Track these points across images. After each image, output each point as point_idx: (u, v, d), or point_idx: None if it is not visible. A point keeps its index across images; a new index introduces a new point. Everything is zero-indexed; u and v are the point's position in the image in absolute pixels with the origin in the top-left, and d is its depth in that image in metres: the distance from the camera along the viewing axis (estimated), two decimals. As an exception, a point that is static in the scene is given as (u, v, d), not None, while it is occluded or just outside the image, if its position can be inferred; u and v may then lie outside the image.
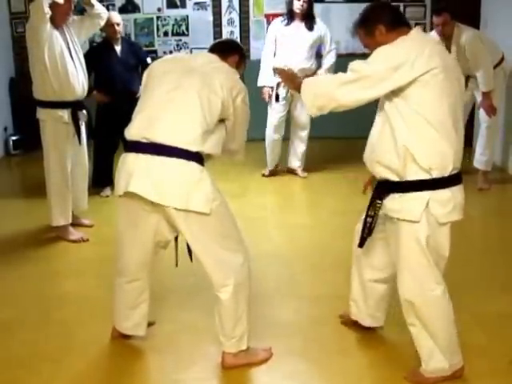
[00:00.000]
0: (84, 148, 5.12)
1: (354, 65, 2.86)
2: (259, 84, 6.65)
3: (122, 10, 8.21)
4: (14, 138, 8.04)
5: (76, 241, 4.97)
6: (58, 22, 4.76)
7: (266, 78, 6.54)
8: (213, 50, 3.19)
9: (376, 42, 2.91)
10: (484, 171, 6.26)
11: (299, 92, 3.02)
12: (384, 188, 2.93)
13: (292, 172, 6.90)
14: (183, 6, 8.46)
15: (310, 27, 6.49)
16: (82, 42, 5.15)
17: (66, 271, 4.51)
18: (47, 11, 4.53)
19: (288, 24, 6.49)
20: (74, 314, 3.78)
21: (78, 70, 4.90)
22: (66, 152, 4.93)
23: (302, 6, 6.37)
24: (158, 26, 8.51)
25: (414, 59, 2.72)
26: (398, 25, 2.93)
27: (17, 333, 3.58)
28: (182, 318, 3.64)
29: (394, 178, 2.86)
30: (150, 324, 3.44)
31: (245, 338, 3.13)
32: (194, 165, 2.90)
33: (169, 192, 2.87)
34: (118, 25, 6.04)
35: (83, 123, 5.04)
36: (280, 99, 6.57)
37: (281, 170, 6.94)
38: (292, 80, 3.20)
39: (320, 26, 6.58)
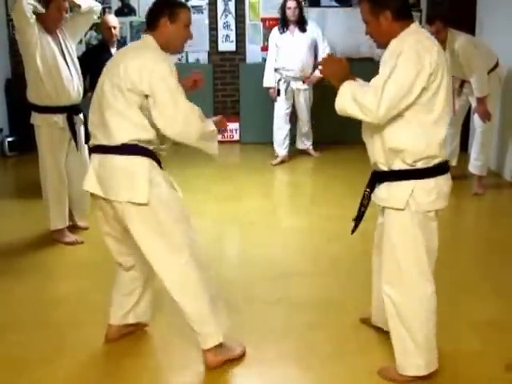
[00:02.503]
0: (84, 152, 5.05)
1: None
2: (264, 85, 7.37)
3: (118, 13, 8.21)
4: (9, 139, 8.02)
5: (71, 243, 4.96)
6: (49, 28, 4.74)
7: (269, 80, 7.32)
8: (146, 29, 3.23)
9: (378, 24, 2.88)
10: (479, 176, 6.27)
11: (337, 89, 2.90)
12: (375, 177, 3.01)
13: (304, 153, 7.76)
14: (179, 9, 8.48)
15: (304, 29, 7.15)
16: (77, 39, 5.13)
17: (61, 273, 4.50)
18: (30, 15, 4.50)
19: (283, 32, 7.19)
20: (67, 316, 3.77)
21: (73, 74, 4.88)
22: (62, 157, 4.92)
23: (294, 12, 7.05)
24: (154, 28, 8.51)
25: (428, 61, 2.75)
26: (404, 16, 2.90)
27: (9, 334, 3.58)
28: (175, 321, 3.60)
29: (384, 168, 2.92)
30: (143, 325, 3.46)
31: (213, 334, 3.14)
32: (128, 158, 3.02)
33: (108, 185, 3.05)
34: (114, 28, 6.08)
35: (80, 127, 5.00)
36: (281, 94, 7.26)
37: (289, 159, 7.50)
38: (337, 73, 2.95)
39: (312, 27, 7.24)
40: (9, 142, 8.02)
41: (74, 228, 5.19)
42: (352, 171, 6.60)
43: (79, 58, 6.38)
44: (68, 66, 4.85)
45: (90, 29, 8.20)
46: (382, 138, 2.87)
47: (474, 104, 6.14)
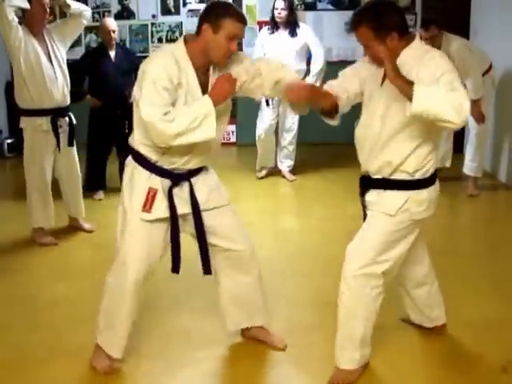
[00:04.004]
0: (73, 155, 5.09)
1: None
2: None
3: (118, 17, 8.26)
4: (8, 140, 8.08)
5: (45, 244, 4.98)
6: (35, 29, 4.75)
7: None
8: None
9: (384, 47, 2.78)
10: (474, 177, 6.32)
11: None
12: (366, 183, 3.03)
13: (281, 174, 7.02)
14: (177, 12, 8.53)
15: (293, 34, 6.48)
16: (68, 44, 5.09)
17: (60, 274, 4.52)
18: (12, 18, 4.52)
19: (272, 32, 6.56)
20: (63, 318, 3.77)
21: (58, 76, 4.86)
22: (48, 159, 4.94)
23: (280, 13, 6.40)
24: (152, 32, 8.56)
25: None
26: (407, 30, 2.86)
27: (6, 335, 3.59)
28: (172, 323, 3.65)
29: (378, 176, 2.96)
30: None
31: (111, 345, 3.16)
32: (131, 163, 3.07)
33: None
34: (113, 32, 6.11)
35: (66, 130, 4.97)
36: (270, 104, 6.62)
37: (275, 171, 7.04)
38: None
39: (303, 30, 6.57)
40: (8, 143, 8.08)
41: (75, 230, 5.24)
42: (349, 173, 6.64)
43: (78, 61, 6.50)
44: (53, 67, 4.84)
45: (90, 32, 8.35)
46: (388, 150, 2.88)
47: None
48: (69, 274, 4.49)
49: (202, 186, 3.13)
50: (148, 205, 2.98)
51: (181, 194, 3.06)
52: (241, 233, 3.29)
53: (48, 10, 4.81)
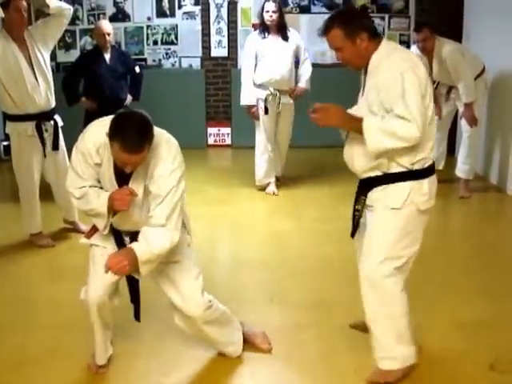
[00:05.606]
0: (60, 158, 5.07)
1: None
2: (242, 103, 6.45)
3: (113, 19, 8.30)
4: (4, 143, 8.07)
5: (43, 246, 5.03)
6: (14, 34, 4.72)
7: (250, 97, 6.38)
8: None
9: (355, 48, 2.90)
10: (465, 180, 6.38)
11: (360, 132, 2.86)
12: (367, 184, 3.04)
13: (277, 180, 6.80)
14: (172, 15, 8.58)
15: (286, 38, 6.31)
16: (51, 45, 5.02)
17: (58, 275, 4.55)
18: None
19: (264, 37, 6.26)
20: (62, 319, 3.80)
21: (40, 80, 4.81)
22: (35, 164, 4.95)
23: (271, 16, 6.16)
24: (147, 34, 8.61)
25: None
26: (376, 34, 2.97)
27: (4, 336, 3.62)
28: (168, 322, 3.59)
29: (378, 174, 2.99)
30: None
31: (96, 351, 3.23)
32: None
33: None
34: (108, 34, 6.13)
35: (51, 134, 4.95)
36: (270, 112, 6.38)
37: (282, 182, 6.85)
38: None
39: (294, 35, 6.44)
40: (4, 146, 8.08)
41: (72, 232, 5.28)
42: (340, 175, 6.67)
43: (73, 63, 6.52)
44: (35, 72, 4.79)
45: (85, 34, 8.39)
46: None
47: (461, 109, 6.26)
48: (66, 275, 4.51)
49: None
50: (92, 232, 3.13)
51: (125, 238, 3.12)
52: (185, 292, 3.08)
53: (26, 14, 4.75)
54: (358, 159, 3.00)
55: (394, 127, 2.78)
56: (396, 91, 2.78)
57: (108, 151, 2.83)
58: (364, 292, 3.03)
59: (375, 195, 3.03)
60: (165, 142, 2.89)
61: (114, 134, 2.69)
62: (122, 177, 2.90)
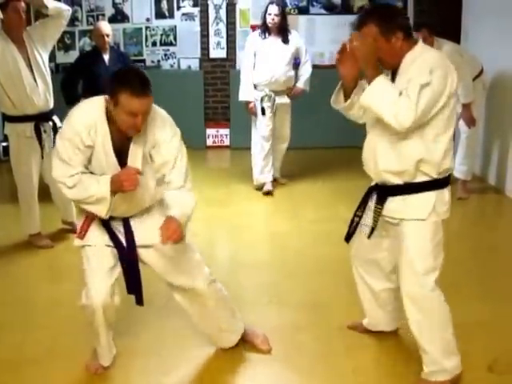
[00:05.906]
0: None
1: None
2: (241, 99, 6.57)
3: (112, 20, 8.30)
4: (4, 144, 8.06)
5: (42, 246, 5.04)
6: (13, 35, 4.73)
7: (249, 93, 6.48)
8: None
9: (389, 47, 2.84)
10: (463, 180, 6.39)
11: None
12: (384, 191, 3.00)
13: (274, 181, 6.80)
14: (171, 16, 8.59)
15: (286, 40, 6.39)
16: (49, 46, 5.02)
17: (57, 276, 4.57)
18: None
19: (265, 38, 6.37)
20: (61, 319, 3.81)
21: (39, 81, 4.82)
22: (34, 165, 4.95)
23: (273, 19, 6.27)
24: (146, 35, 8.62)
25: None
26: (411, 35, 2.91)
27: (3, 335, 3.62)
28: (167, 322, 3.68)
29: (398, 182, 2.93)
30: None
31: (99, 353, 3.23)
32: None
33: None
34: (107, 36, 6.15)
35: (51, 135, 4.94)
36: (266, 113, 6.43)
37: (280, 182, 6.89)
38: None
39: (295, 38, 6.51)
40: (3, 146, 8.06)
41: (70, 232, 5.23)
42: (338, 176, 6.74)
43: (72, 64, 6.53)
44: (33, 73, 4.79)
45: (84, 35, 8.39)
46: (406, 152, 2.86)
47: (459, 110, 6.27)
48: (65, 275, 4.51)
49: (139, 224, 3.11)
50: (83, 231, 3.08)
51: (118, 227, 3.11)
52: (187, 269, 3.16)
53: (24, 15, 4.76)
54: (382, 159, 2.93)
55: (396, 100, 2.70)
56: (420, 79, 2.71)
57: (101, 130, 2.84)
58: (408, 309, 3.00)
59: (393, 205, 2.97)
60: (157, 112, 2.97)
61: (119, 85, 2.74)
62: (120, 154, 2.92)
